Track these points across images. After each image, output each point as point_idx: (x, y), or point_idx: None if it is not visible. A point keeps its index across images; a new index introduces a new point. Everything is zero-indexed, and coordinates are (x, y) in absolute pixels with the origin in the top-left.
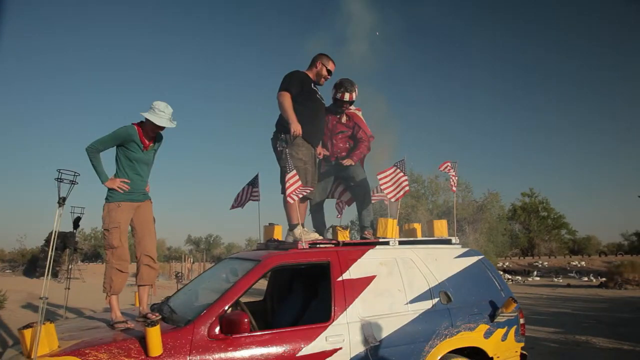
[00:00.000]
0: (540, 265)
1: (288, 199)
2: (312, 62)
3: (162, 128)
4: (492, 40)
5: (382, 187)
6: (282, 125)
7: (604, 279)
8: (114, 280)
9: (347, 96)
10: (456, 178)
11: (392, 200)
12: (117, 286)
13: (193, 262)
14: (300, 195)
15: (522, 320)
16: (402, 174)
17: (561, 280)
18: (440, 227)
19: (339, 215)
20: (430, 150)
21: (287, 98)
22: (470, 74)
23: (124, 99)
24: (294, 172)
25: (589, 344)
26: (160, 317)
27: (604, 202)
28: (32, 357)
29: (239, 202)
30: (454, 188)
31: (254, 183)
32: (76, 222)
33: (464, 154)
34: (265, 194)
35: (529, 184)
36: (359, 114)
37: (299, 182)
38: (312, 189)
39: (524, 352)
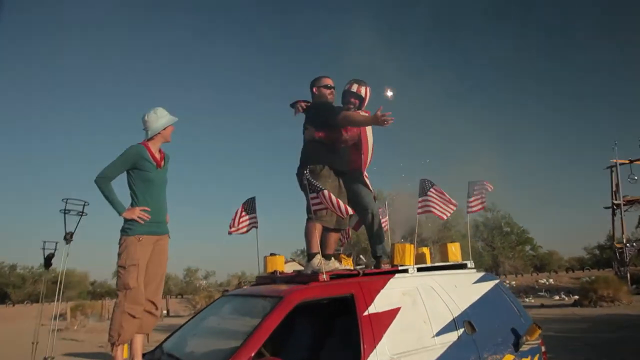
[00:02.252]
0: (508, 286)
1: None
2: (310, 92)
3: (167, 141)
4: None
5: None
6: (307, 158)
7: (576, 296)
8: (124, 326)
9: (355, 87)
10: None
11: (441, 216)
12: (127, 334)
13: None
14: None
15: (543, 348)
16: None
17: (533, 300)
18: (454, 251)
19: (344, 242)
20: (387, 163)
21: (348, 113)
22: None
23: None
24: (316, 194)
25: None
26: None
27: (564, 215)
28: None
29: (238, 227)
30: (476, 208)
31: (249, 208)
32: (48, 260)
33: (422, 168)
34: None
35: (489, 198)
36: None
37: (322, 205)
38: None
39: None
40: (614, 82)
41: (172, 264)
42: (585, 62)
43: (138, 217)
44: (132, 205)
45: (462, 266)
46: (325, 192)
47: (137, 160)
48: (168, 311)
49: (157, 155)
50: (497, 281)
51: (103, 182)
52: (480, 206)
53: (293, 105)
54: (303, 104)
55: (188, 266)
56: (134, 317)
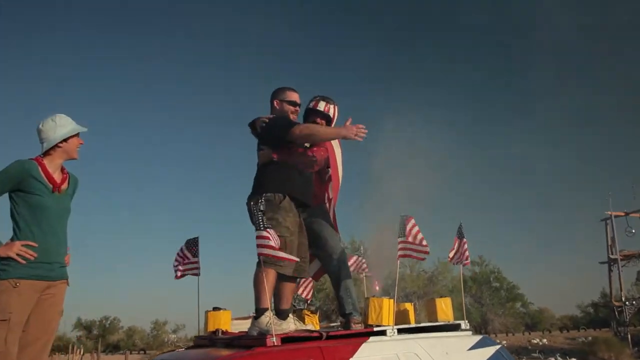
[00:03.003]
0: None
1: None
2: (270, 105)
3: (72, 158)
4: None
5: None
6: (262, 184)
7: (574, 359)
8: None
9: (321, 105)
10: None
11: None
12: None
13: (83, 354)
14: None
15: None
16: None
17: None
18: (444, 308)
19: (307, 295)
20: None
21: (309, 124)
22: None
23: None
24: (267, 232)
25: None
26: None
27: (554, 270)
28: None
29: (183, 270)
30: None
31: (192, 250)
32: None
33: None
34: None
35: (476, 250)
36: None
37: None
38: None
39: None
40: (608, 131)
41: (139, 316)
42: (577, 110)
43: (17, 254)
44: (12, 239)
45: (454, 327)
46: (272, 231)
47: (23, 180)
48: None
49: (56, 176)
50: (497, 347)
51: None
52: (467, 260)
53: (252, 124)
54: (266, 119)
55: (156, 318)
56: None
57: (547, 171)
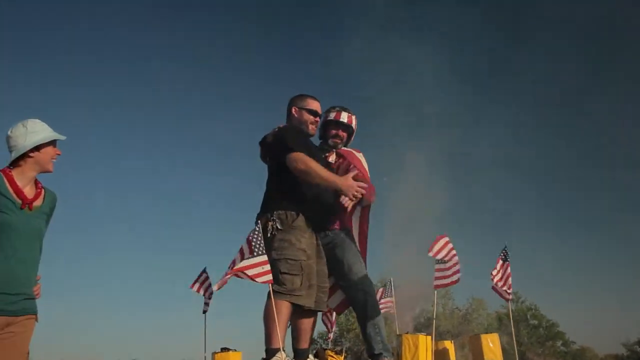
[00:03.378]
0: None
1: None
2: (287, 113)
3: (46, 171)
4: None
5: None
6: (273, 200)
7: None
8: None
9: (344, 116)
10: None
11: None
12: None
13: None
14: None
15: None
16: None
17: None
18: (492, 347)
19: (330, 332)
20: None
21: (306, 158)
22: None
23: None
24: (264, 258)
25: None
26: None
27: (595, 305)
28: None
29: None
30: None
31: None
32: None
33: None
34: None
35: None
36: (360, 155)
37: (264, 273)
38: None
39: None
40: None
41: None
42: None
43: None
44: None
45: None
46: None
47: None
48: None
49: (27, 190)
50: None
51: None
52: (509, 295)
53: (264, 140)
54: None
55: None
56: None
57: (588, 201)
